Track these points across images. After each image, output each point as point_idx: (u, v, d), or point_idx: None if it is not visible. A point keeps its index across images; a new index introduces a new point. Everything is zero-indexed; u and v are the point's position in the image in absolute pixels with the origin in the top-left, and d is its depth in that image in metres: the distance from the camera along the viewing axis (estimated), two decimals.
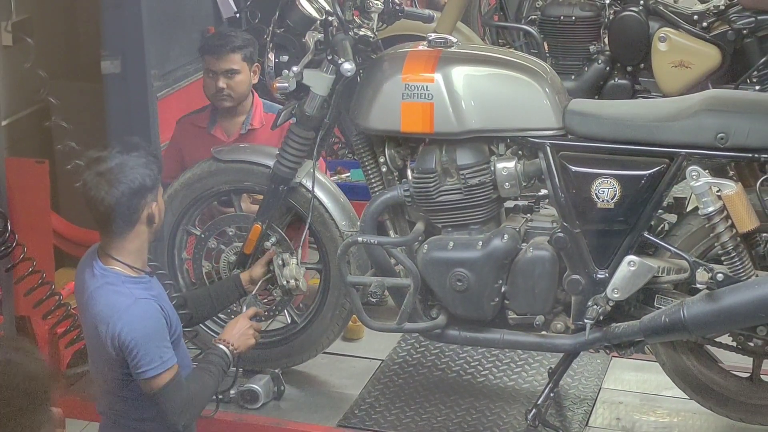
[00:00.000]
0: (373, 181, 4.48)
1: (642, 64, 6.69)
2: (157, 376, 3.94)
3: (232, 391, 4.55)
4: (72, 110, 6.21)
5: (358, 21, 4.58)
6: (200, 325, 4.75)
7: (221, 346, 4.20)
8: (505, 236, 4.31)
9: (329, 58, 4.39)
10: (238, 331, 4.25)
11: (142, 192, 3.93)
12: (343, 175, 6.78)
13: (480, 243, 4.31)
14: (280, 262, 4.56)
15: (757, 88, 6.30)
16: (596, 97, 6.54)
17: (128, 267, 4.00)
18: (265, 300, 4.73)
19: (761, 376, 4.40)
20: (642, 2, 6.67)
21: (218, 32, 5.92)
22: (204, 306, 4.57)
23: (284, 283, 4.54)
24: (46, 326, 5.60)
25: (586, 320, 4.27)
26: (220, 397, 4.47)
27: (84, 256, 4.18)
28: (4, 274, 5.07)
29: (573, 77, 6.66)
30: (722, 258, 4.15)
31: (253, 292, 4.56)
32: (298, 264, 4.58)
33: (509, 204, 4.43)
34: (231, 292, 4.58)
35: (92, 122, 6.31)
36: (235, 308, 4.66)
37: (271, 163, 4.60)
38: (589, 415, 4.56)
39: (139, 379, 3.97)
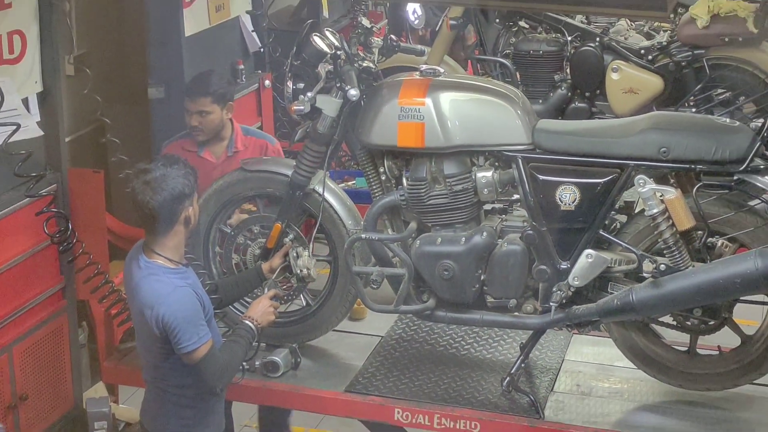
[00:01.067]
0: (374, 187, 4.49)
1: (598, 91, 6.70)
2: (196, 350, 3.97)
3: (256, 362, 4.55)
4: (123, 129, 6.22)
5: (361, 55, 4.59)
6: (229, 307, 4.76)
7: (247, 322, 4.24)
8: (484, 233, 4.32)
9: (338, 85, 4.40)
10: (261, 309, 4.29)
11: (181, 198, 3.99)
12: (349, 183, 6.79)
13: (463, 239, 4.32)
14: (295, 254, 4.57)
15: (694, 110, 6.30)
16: (560, 117, 6.53)
17: (168, 260, 4.04)
18: (284, 287, 4.73)
19: (697, 349, 4.39)
20: (598, 39, 6.68)
21: (197, 77, 5.70)
22: (231, 291, 4.60)
23: (298, 271, 4.56)
24: (101, 308, 5.60)
25: (551, 303, 4.28)
26: (247, 367, 4.49)
27: (131, 251, 4.21)
28: (66, 265, 5.08)
29: (540, 101, 6.66)
30: (664, 251, 4.17)
31: (273, 278, 4.58)
32: (309, 256, 4.58)
33: (488, 206, 4.43)
34: (254, 279, 4.60)
35: (140, 139, 6.33)
36: (257, 292, 4.67)
37: (289, 172, 4.60)
38: (554, 382, 4.55)
39: (180, 354, 3.99)
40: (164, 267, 4.04)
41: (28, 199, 5.22)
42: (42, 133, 5.09)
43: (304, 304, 4.79)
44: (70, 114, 5.98)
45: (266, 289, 4.50)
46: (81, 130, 6.51)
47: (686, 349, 4.40)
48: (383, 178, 4.46)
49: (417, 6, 8.88)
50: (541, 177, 4.24)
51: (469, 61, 7.22)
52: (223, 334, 4.42)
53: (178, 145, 5.50)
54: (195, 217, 4.13)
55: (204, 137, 5.40)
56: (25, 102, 5.30)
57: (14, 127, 4.97)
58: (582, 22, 6.81)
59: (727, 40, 6.39)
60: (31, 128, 5.02)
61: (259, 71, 7.50)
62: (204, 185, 4.79)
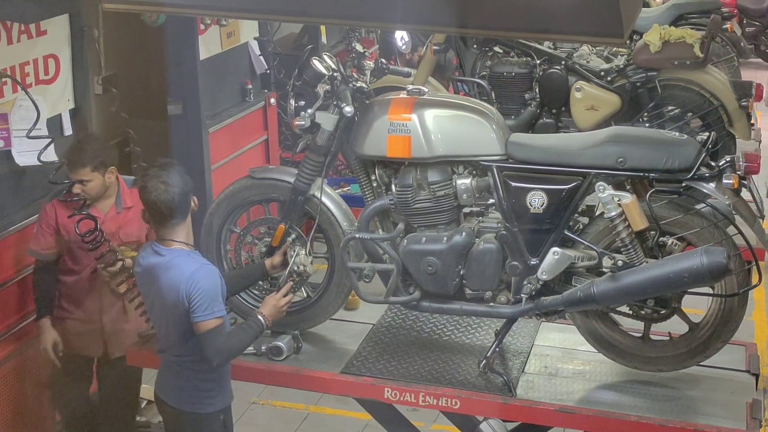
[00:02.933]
0: (366, 193, 4.48)
1: (563, 108, 6.70)
2: (206, 322, 4.00)
3: (262, 347, 4.54)
4: (146, 141, 6.21)
5: (355, 76, 4.58)
6: (237, 296, 4.74)
7: (259, 317, 4.23)
8: (464, 233, 4.31)
9: (335, 103, 4.39)
10: (273, 306, 4.29)
11: (189, 190, 4.12)
12: (344, 189, 6.79)
13: (445, 238, 4.31)
14: (293, 252, 4.56)
15: (647, 125, 6.31)
16: (530, 131, 6.54)
17: (185, 245, 4.10)
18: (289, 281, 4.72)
19: (650, 335, 4.39)
20: (563, 62, 6.69)
21: (74, 147, 5.02)
22: (236, 284, 4.56)
23: (295, 268, 4.54)
24: (126, 299, 5.58)
25: (522, 295, 4.28)
26: (254, 351, 4.47)
27: (141, 255, 4.22)
28: (94, 261, 5.07)
29: (513, 117, 6.65)
30: (621, 249, 4.16)
31: (274, 273, 4.56)
32: (306, 254, 4.57)
33: (466, 210, 4.42)
34: (256, 273, 4.57)
35: (161, 149, 6.32)
36: (269, 288, 4.67)
37: (292, 179, 4.58)
38: (525, 364, 4.54)
39: (193, 322, 4.00)
40: (185, 251, 4.11)
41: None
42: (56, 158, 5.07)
43: (305, 295, 4.78)
44: (98, 128, 5.98)
45: (280, 286, 4.46)
46: (108, 142, 6.49)
47: (641, 335, 4.39)
48: (375, 184, 4.45)
49: (404, 33, 8.89)
50: (513, 184, 4.24)
51: (450, 81, 7.22)
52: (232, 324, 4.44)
53: (63, 205, 4.97)
54: (195, 204, 4.24)
55: (90, 201, 4.94)
56: (59, 117, 5.30)
57: (50, 139, 4.96)
58: (549, 47, 6.82)
59: (676, 63, 6.40)
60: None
61: (265, 90, 7.51)
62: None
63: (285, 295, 4.35)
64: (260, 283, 4.70)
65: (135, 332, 4.85)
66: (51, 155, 4.99)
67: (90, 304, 5.12)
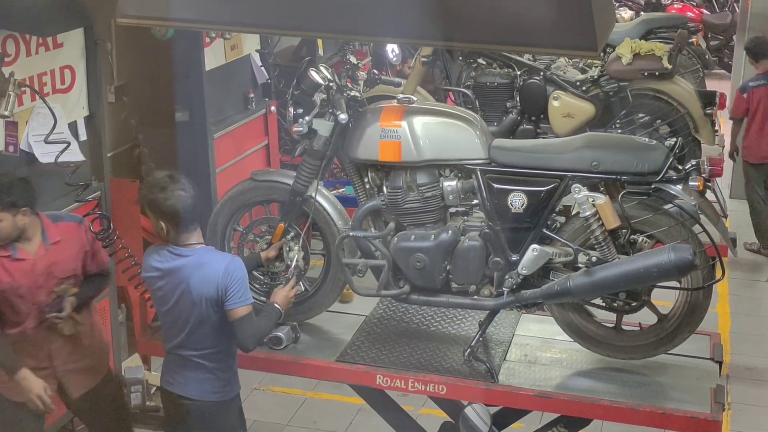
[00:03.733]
0: (360, 194, 4.47)
1: (542, 115, 6.70)
2: (241, 308, 3.99)
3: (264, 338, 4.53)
4: (155, 146, 6.21)
5: (349, 86, 4.58)
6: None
7: (276, 306, 4.24)
8: (450, 231, 4.31)
9: (330, 111, 4.39)
10: (284, 297, 4.29)
11: (198, 196, 4.08)
12: (339, 190, 6.78)
13: (432, 236, 4.31)
14: (288, 248, 4.55)
15: (619, 131, 6.31)
16: (511, 137, 6.54)
17: (202, 244, 4.08)
18: (285, 275, 4.70)
19: (621, 326, 4.40)
20: (542, 73, 6.69)
21: None
22: None
23: (288, 262, 4.53)
24: (137, 293, 5.57)
25: (504, 288, 4.28)
26: None
27: (151, 259, 4.13)
28: (108, 257, 5.06)
29: (495, 124, 6.65)
30: (595, 246, 4.17)
31: (269, 265, 4.56)
32: (299, 250, 4.56)
33: (453, 209, 4.42)
34: (252, 263, 4.54)
35: (169, 154, 6.32)
36: (270, 282, 4.67)
37: (290, 181, 4.57)
38: (506, 353, 4.54)
39: (228, 310, 3.98)
40: (207, 248, 4.10)
41: (76, 203, 5.21)
42: (83, 158, 5.02)
43: (303, 289, 4.77)
44: (111, 134, 5.97)
45: (290, 277, 4.45)
46: (120, 147, 6.49)
47: (613, 325, 4.40)
48: (367, 186, 4.45)
49: (395, 46, 8.88)
50: (496, 186, 4.24)
51: (437, 91, 7.22)
52: None
53: None
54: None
55: (1, 243, 4.29)
56: (74, 124, 5.28)
57: (66, 144, 4.96)
58: (529, 59, 6.82)
59: (646, 74, 6.41)
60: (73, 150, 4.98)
61: (266, 99, 7.50)
62: (28, 284, 4.25)
63: (292, 288, 4.36)
64: (260, 277, 4.70)
65: (91, 369, 4.52)
66: (77, 155, 4.97)
67: (38, 351, 4.43)
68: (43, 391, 4.33)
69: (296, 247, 4.52)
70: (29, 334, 4.38)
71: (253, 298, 4.67)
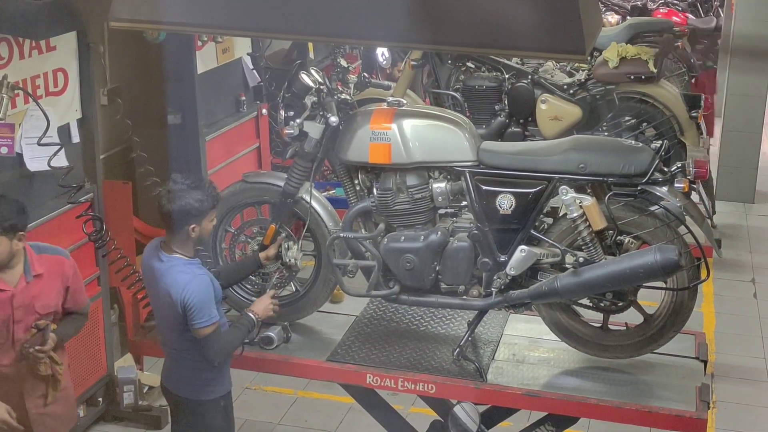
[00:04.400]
0: (350, 195, 4.47)
1: (530, 118, 6.72)
2: (205, 327, 3.96)
3: (255, 337, 4.53)
4: (148, 148, 6.19)
5: (340, 89, 4.58)
6: (231, 290, 4.72)
7: (250, 315, 4.22)
8: (439, 233, 4.31)
9: (321, 113, 4.39)
10: (263, 305, 4.27)
11: (187, 216, 4.00)
12: (330, 192, 6.77)
13: (422, 237, 4.31)
14: (286, 246, 4.54)
15: (606, 133, 6.33)
16: (499, 140, 6.55)
17: (183, 255, 4.05)
18: (277, 276, 4.70)
19: (608, 325, 4.41)
20: (530, 77, 6.71)
21: None
22: (232, 275, 4.54)
23: (287, 260, 4.53)
24: (129, 293, 5.58)
25: (492, 288, 4.28)
26: (247, 341, 4.46)
27: (147, 250, 4.18)
28: (101, 258, 5.06)
29: (484, 126, 6.67)
30: (582, 247, 4.18)
31: (267, 264, 4.53)
32: (298, 249, 4.56)
33: (442, 211, 4.42)
34: (251, 265, 4.54)
35: (161, 155, 6.30)
36: (261, 282, 4.66)
37: (282, 183, 4.57)
38: (495, 352, 4.55)
39: (192, 329, 3.97)
40: (183, 260, 4.04)
41: (69, 205, 5.20)
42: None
43: (294, 290, 4.77)
44: (104, 136, 5.95)
45: (268, 290, 4.48)
46: (112, 149, 6.47)
47: (600, 325, 4.41)
48: (358, 188, 4.45)
49: (385, 50, 8.88)
50: (484, 187, 4.24)
51: (427, 93, 7.23)
52: (226, 313, 4.43)
53: None
54: (204, 232, 4.08)
55: None
56: (67, 127, 5.27)
57: (59, 146, 4.94)
58: (517, 63, 6.83)
59: (632, 77, 6.43)
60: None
61: (258, 102, 7.49)
62: (2, 318, 3.95)
63: (272, 297, 4.34)
64: (252, 278, 4.69)
65: (63, 415, 4.20)
66: (62, 160, 4.96)
67: (11, 390, 4.05)
68: (7, 414, 3.92)
69: (294, 247, 4.51)
70: (2, 371, 4.02)
71: (242, 298, 4.70)
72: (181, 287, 3.95)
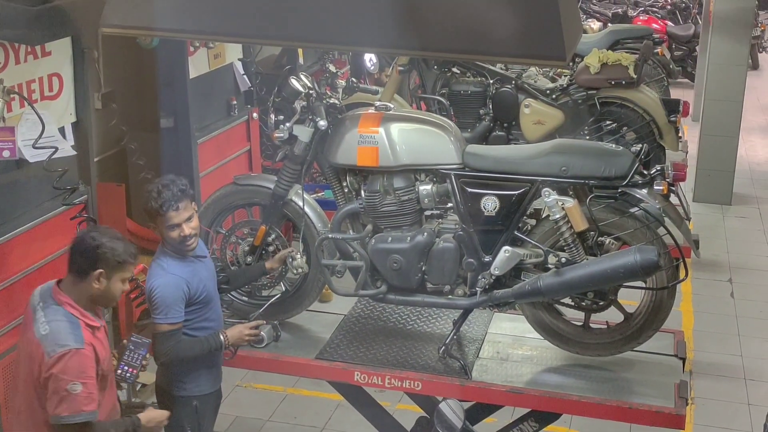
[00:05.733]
0: (338, 197, 4.47)
1: (514, 122, 6.73)
2: (159, 324, 3.97)
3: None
4: (141, 150, 6.18)
5: (329, 93, 4.59)
6: (235, 299, 4.72)
7: (221, 336, 4.15)
8: (425, 233, 4.31)
9: (310, 117, 4.38)
10: (237, 333, 4.20)
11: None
12: (319, 194, 6.77)
13: (408, 238, 4.31)
14: (291, 258, 4.51)
15: (588, 137, 6.35)
16: (484, 143, 6.56)
17: (172, 254, 4.01)
18: (268, 277, 4.69)
19: (589, 324, 4.42)
20: (513, 82, 6.72)
21: None
22: (238, 278, 4.56)
23: (294, 272, 4.52)
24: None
25: (477, 288, 4.29)
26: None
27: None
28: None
29: (469, 130, 6.68)
30: (564, 248, 4.19)
31: (271, 272, 4.54)
32: (301, 258, 4.54)
33: (428, 212, 4.42)
34: (257, 272, 4.54)
35: (155, 158, 6.29)
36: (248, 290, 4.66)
37: (272, 186, 4.56)
38: (479, 350, 4.55)
39: (151, 321, 4.00)
40: (167, 258, 4.04)
41: (64, 206, 5.17)
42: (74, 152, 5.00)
43: (284, 289, 4.76)
44: (98, 139, 5.93)
45: (250, 319, 4.43)
46: (106, 152, 6.45)
47: (581, 323, 4.42)
48: (346, 190, 4.44)
49: (373, 56, 8.88)
50: (469, 190, 4.25)
51: (414, 98, 7.23)
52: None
53: None
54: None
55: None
56: (62, 130, 5.25)
57: (54, 149, 4.92)
58: (501, 68, 6.85)
59: (613, 83, 6.46)
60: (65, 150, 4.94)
61: (249, 106, 7.47)
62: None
63: (251, 329, 4.26)
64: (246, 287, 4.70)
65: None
66: (68, 149, 4.93)
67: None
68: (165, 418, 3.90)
69: (299, 257, 4.49)
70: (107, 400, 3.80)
71: (234, 298, 4.68)
72: (149, 279, 3.99)
